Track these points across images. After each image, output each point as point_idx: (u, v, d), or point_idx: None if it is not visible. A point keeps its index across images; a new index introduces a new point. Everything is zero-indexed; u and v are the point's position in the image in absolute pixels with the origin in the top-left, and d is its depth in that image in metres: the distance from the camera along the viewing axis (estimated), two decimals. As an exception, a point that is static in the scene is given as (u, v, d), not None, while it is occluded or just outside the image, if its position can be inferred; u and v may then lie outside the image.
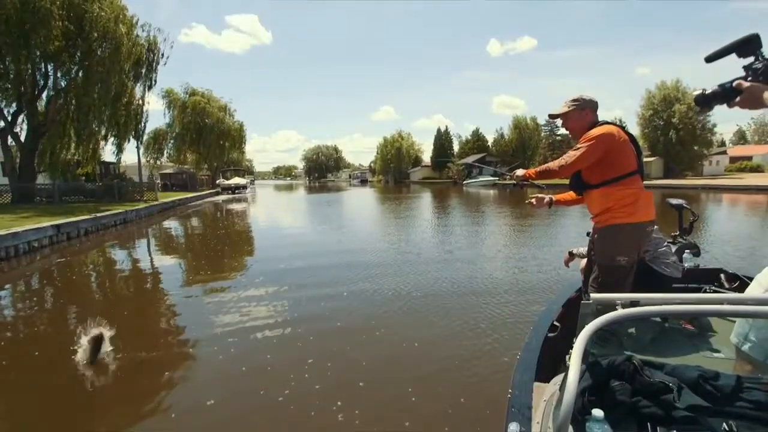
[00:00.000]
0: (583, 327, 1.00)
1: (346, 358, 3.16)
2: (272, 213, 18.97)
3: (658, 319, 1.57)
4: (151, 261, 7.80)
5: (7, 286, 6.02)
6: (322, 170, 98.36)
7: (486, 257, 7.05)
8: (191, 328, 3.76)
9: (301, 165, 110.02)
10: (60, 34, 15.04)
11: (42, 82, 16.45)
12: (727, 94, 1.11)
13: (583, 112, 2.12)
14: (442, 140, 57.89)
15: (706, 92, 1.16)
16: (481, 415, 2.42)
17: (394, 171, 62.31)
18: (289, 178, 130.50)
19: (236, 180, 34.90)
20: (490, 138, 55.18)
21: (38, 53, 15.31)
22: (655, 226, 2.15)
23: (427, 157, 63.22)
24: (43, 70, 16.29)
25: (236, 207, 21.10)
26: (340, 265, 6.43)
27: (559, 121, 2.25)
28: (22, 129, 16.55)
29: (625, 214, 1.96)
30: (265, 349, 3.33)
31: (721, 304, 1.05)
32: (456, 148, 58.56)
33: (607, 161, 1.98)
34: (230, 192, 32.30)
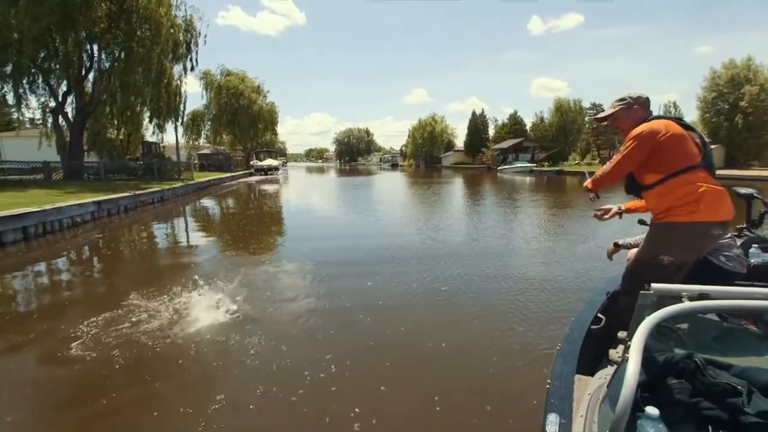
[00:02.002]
0: (640, 318, 0.95)
1: (367, 357, 2.91)
2: (302, 195, 19.08)
3: (715, 317, 1.37)
4: (182, 239, 7.95)
5: (44, 259, 6.29)
6: (353, 153, 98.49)
7: (518, 248, 6.54)
8: (208, 312, 3.64)
9: (332, 148, 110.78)
10: (104, 15, 15.51)
11: (88, 63, 17.16)
12: None
13: (630, 110, 1.99)
14: (477, 124, 55.64)
15: None
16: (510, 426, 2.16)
17: (426, 155, 61.06)
18: (320, 161, 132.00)
19: (269, 161, 35.52)
20: (528, 122, 52.52)
21: (84, 35, 15.92)
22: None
23: (460, 141, 61.34)
24: (89, 51, 16.96)
25: (268, 188, 21.44)
26: (365, 253, 6.18)
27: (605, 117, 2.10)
28: (72, 109, 17.47)
29: (685, 212, 1.77)
30: (281, 340, 3.14)
31: None
32: (491, 132, 56.25)
33: (657, 159, 1.82)
34: (263, 173, 32.96)
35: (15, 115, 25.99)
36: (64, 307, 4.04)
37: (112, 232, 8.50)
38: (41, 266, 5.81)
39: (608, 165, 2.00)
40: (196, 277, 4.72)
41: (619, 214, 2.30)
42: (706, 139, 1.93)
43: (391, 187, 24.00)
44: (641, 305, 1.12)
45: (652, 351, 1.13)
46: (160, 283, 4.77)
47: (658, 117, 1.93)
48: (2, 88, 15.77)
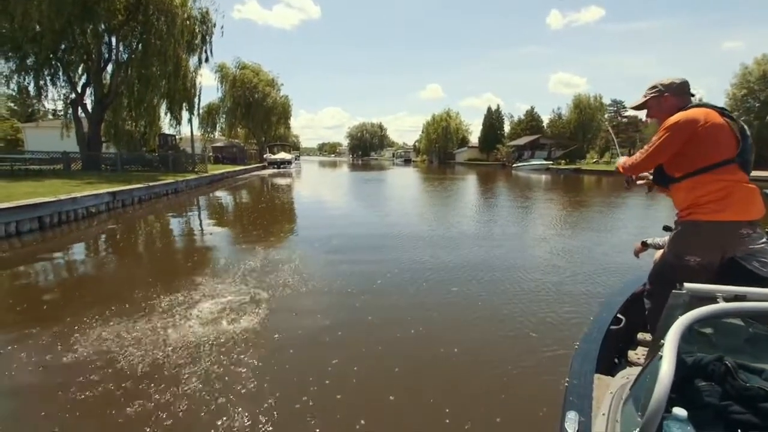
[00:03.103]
0: (671, 318, 0.95)
1: (374, 362, 2.76)
2: (313, 189, 19.04)
3: (739, 321, 1.31)
4: (193, 230, 7.95)
5: (58, 249, 6.35)
6: (366, 148, 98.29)
7: (531, 248, 6.28)
8: (212, 312, 3.55)
9: (345, 142, 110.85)
10: (122, 7, 15.65)
11: (107, 56, 17.37)
12: None
13: (661, 98, 1.87)
14: (493, 120, 54.66)
15: None
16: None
17: (439, 151, 60.43)
18: (333, 155, 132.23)
19: (282, 155, 35.64)
20: (545, 118, 51.39)
21: (103, 27, 16.10)
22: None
23: (474, 137, 60.49)
24: (108, 43, 17.15)
25: (280, 181, 21.49)
26: (374, 250, 6.04)
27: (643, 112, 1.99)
28: (91, 101, 17.75)
29: (709, 210, 1.68)
30: (286, 342, 3.02)
31: None
32: (507, 128, 55.26)
33: (689, 151, 1.70)
34: (276, 166, 33.10)
35: (37, 107, 26.70)
36: (75, 298, 4.01)
37: (126, 222, 8.56)
38: (54, 256, 5.85)
39: (639, 154, 1.88)
40: (205, 270, 4.66)
41: (650, 186, 2.15)
42: (748, 132, 1.75)
43: (402, 182, 23.81)
44: (672, 305, 1.10)
45: (680, 352, 1.10)
46: (168, 274, 4.74)
47: (698, 105, 1.78)
48: (25, 79, 16.15)
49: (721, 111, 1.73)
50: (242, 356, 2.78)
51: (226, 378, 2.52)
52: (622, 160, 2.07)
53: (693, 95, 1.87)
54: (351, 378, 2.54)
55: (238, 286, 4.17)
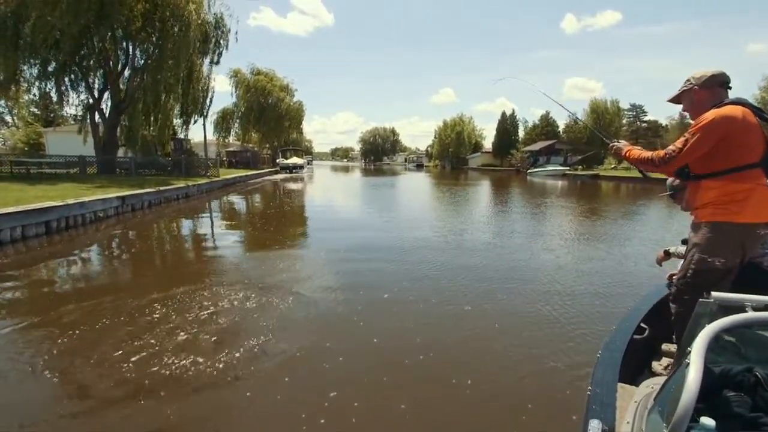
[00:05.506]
0: (698, 327, 0.95)
1: (378, 396, 2.44)
2: (324, 194, 18.89)
3: (764, 332, 1.22)
4: (200, 236, 7.80)
5: (62, 254, 6.24)
6: (379, 153, 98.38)
7: (545, 260, 5.85)
8: (203, 327, 3.29)
9: (358, 147, 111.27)
10: (139, 14, 15.89)
11: (123, 61, 17.65)
12: None
13: (691, 92, 1.80)
14: (507, 125, 53.84)
15: None
16: None
17: (452, 156, 59.87)
18: (345, 160, 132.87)
19: (294, 160, 35.75)
20: (561, 123, 50.34)
21: (121, 33, 16.37)
22: None
23: (487, 143, 59.76)
24: (125, 48, 17.42)
25: (291, 186, 21.42)
26: (381, 261, 5.71)
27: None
28: (107, 105, 18.03)
29: (729, 211, 1.67)
30: (281, 369, 2.72)
31: None
32: (521, 134, 54.36)
33: (720, 150, 1.66)
34: (288, 171, 33.19)
35: (59, 112, 27.44)
36: (75, 306, 3.82)
37: (134, 227, 8.47)
38: (57, 261, 5.73)
39: (666, 152, 1.76)
40: (203, 278, 4.42)
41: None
42: None
43: (414, 187, 23.49)
44: (699, 313, 1.09)
45: (707, 361, 1.06)
46: (163, 280, 4.52)
47: (735, 101, 1.68)
48: (46, 85, 16.52)
49: (757, 111, 1.68)
50: (230, 384, 2.49)
51: (210, 412, 2.24)
52: (623, 144, 2.03)
53: (730, 88, 1.76)
54: (350, 416, 2.22)
55: (236, 296, 3.91)
